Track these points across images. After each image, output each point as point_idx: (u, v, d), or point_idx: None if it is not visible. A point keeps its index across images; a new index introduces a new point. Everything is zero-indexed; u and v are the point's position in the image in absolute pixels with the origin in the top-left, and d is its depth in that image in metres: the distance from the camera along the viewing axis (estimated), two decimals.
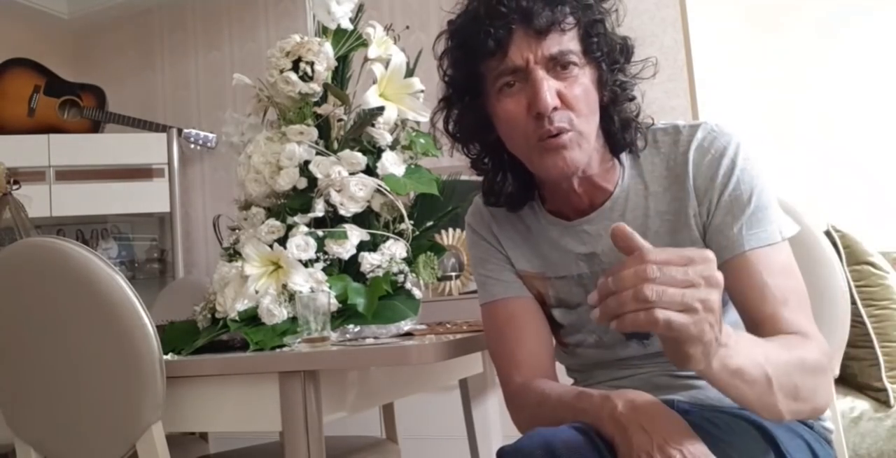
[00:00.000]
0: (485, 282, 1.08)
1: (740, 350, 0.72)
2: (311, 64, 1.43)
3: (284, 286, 1.30)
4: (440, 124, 1.04)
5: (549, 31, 0.88)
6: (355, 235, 1.37)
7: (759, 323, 0.88)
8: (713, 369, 0.69)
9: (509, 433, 1.15)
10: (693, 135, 0.95)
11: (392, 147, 1.47)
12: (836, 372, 1.20)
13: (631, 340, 1.00)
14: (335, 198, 1.38)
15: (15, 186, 2.07)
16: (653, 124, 0.99)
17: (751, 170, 0.93)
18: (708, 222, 0.94)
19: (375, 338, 1.23)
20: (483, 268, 1.09)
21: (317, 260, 1.34)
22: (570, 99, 0.89)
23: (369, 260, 1.35)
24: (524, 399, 0.98)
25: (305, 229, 1.36)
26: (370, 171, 1.43)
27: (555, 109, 0.88)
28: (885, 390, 1.75)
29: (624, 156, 0.99)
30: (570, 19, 0.90)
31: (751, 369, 0.73)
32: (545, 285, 1.05)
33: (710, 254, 0.66)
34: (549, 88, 0.88)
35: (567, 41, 0.90)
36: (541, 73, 0.88)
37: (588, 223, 1.00)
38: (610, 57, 0.94)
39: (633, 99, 0.97)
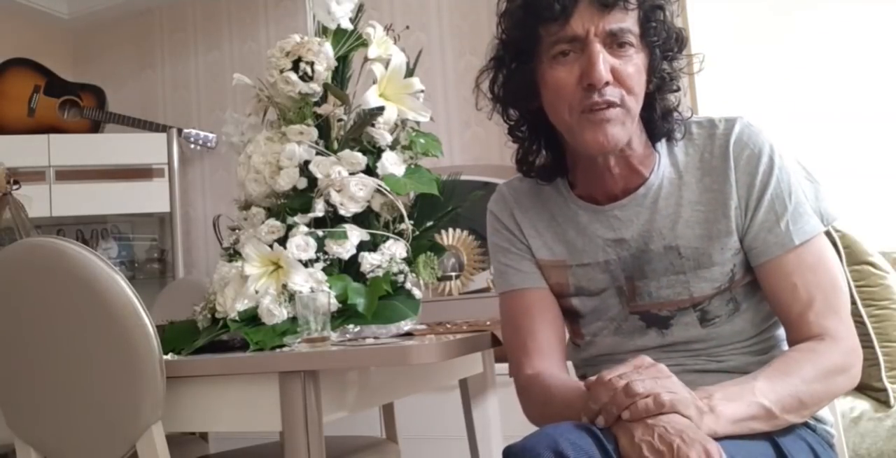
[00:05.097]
0: (504, 271, 1.09)
1: (727, 404, 0.80)
2: (311, 64, 1.42)
3: (284, 286, 1.30)
4: (485, 86, 1.04)
5: (613, 7, 0.90)
6: (355, 235, 1.37)
7: (789, 327, 0.95)
8: (712, 430, 0.77)
9: (509, 433, 1.15)
10: (731, 129, 0.97)
11: (392, 147, 1.47)
12: None
13: (650, 328, 1.01)
14: (335, 198, 1.38)
15: (15, 186, 2.07)
16: (691, 116, 1.01)
17: (787, 168, 0.95)
18: (748, 220, 0.95)
19: (375, 338, 1.23)
20: (504, 257, 1.09)
21: (317, 260, 1.34)
22: (624, 76, 0.91)
23: (369, 260, 1.35)
24: (533, 392, 0.99)
25: (305, 228, 1.36)
26: (370, 171, 1.43)
27: (606, 83, 0.89)
28: (885, 390, 1.74)
29: (660, 145, 1.00)
30: (634, 0, 0.91)
31: (747, 411, 0.81)
32: (565, 274, 1.05)
33: (645, 358, 0.80)
34: (604, 61, 0.89)
35: (628, 21, 0.91)
36: (598, 47, 0.90)
37: (620, 209, 1.00)
38: (665, 44, 0.96)
39: (677, 90, 0.99)
